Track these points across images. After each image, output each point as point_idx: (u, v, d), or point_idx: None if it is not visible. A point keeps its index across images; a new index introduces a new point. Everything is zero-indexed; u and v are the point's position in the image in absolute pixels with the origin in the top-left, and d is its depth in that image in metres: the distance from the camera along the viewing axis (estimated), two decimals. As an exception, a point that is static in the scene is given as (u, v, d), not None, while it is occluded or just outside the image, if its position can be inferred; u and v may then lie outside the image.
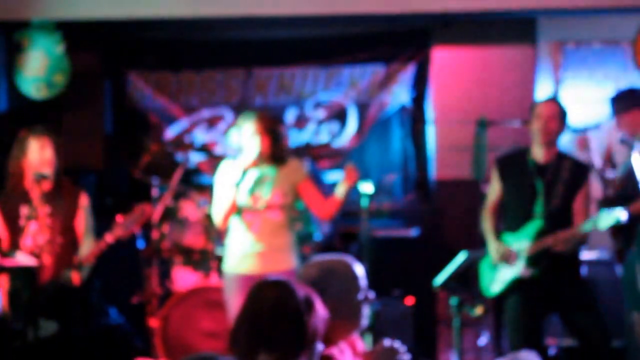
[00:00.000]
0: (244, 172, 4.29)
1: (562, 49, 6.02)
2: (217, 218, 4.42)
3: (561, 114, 4.29)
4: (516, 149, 4.49)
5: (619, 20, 5.91)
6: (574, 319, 4.29)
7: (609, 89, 5.76)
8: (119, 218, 4.38)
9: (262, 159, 4.33)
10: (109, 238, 4.34)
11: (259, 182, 4.34)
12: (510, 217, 4.37)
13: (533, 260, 4.24)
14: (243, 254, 4.34)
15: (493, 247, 4.34)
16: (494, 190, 4.44)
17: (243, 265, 4.33)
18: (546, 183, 4.27)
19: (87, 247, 4.43)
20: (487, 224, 4.42)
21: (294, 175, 4.38)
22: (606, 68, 5.99)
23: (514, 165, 4.38)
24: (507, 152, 4.57)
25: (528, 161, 4.32)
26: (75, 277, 4.31)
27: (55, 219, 4.38)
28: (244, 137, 4.32)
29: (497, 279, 4.35)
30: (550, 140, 4.28)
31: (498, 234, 4.38)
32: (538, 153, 4.31)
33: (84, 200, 4.51)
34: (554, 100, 4.37)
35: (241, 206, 4.34)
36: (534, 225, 4.26)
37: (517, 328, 4.30)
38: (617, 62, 5.98)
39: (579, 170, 4.31)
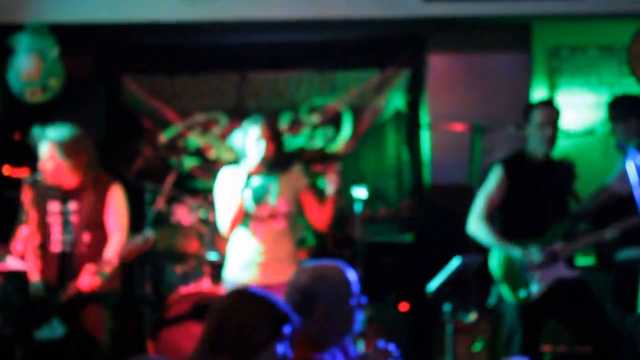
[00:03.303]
0: (249, 177, 4.22)
1: (556, 54, 6.02)
2: (224, 226, 4.31)
3: (558, 118, 4.33)
4: (515, 151, 4.47)
5: (613, 26, 5.91)
6: (580, 324, 4.28)
7: (604, 95, 5.76)
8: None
9: (265, 165, 4.28)
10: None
11: (263, 189, 4.29)
12: (518, 220, 4.33)
13: (574, 261, 4.28)
14: (245, 264, 4.29)
15: (528, 250, 4.25)
16: (495, 192, 4.37)
17: (245, 274, 4.27)
18: (553, 183, 4.30)
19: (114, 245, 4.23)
20: (489, 228, 4.34)
21: (296, 182, 4.36)
22: (601, 74, 5.99)
23: (521, 166, 4.37)
24: (510, 154, 4.52)
25: (532, 162, 4.34)
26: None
27: (82, 215, 4.24)
28: (249, 141, 4.26)
29: (536, 280, 4.25)
30: (552, 144, 4.31)
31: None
32: (537, 154, 4.33)
33: (115, 194, 4.30)
34: (552, 104, 4.37)
35: (246, 214, 4.27)
36: (562, 227, 4.26)
37: (518, 333, 4.26)
38: (611, 68, 5.98)
39: (568, 168, 4.39)
